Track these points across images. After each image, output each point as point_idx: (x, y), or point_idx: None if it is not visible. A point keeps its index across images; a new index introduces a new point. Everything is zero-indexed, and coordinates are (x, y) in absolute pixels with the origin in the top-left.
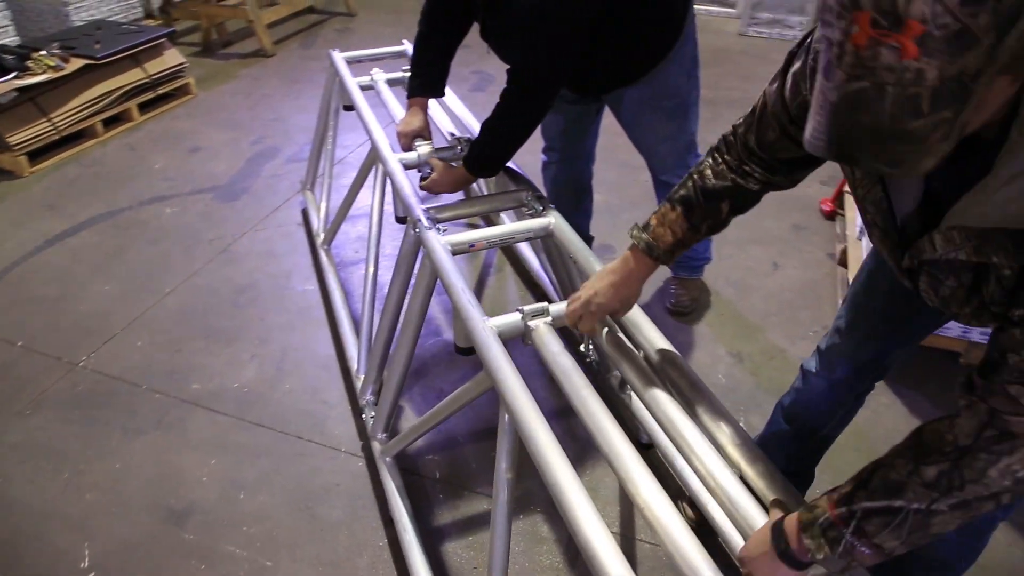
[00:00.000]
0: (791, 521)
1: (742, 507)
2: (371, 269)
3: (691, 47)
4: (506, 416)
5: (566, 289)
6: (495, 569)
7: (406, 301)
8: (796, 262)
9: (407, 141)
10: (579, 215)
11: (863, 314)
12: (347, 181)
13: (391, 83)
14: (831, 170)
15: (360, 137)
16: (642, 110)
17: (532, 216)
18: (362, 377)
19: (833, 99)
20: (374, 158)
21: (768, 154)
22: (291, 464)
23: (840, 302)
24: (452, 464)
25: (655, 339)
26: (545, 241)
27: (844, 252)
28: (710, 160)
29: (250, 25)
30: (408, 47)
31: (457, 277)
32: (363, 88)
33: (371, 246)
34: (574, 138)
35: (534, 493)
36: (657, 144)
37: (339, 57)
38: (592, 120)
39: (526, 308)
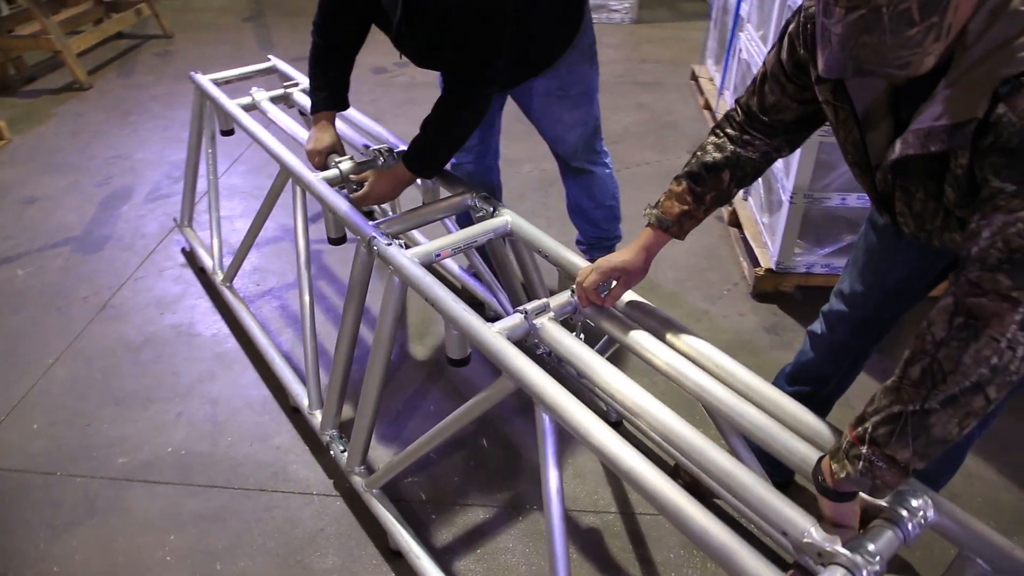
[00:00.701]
0: (825, 459)
1: (798, 452)
2: (306, 298)
3: (590, 34)
4: (545, 418)
5: (515, 289)
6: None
7: (362, 324)
8: None
9: (321, 159)
10: None
11: (859, 276)
12: (224, 213)
13: (273, 101)
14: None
15: (226, 163)
16: (550, 100)
17: (484, 217)
18: (318, 413)
19: (839, 31)
20: (284, 181)
21: (770, 116)
22: (263, 520)
23: (741, 259)
24: (434, 482)
25: (659, 314)
26: (493, 242)
27: (733, 213)
28: (712, 136)
29: (58, 56)
30: (277, 62)
31: (443, 289)
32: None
33: (302, 274)
34: (485, 135)
35: (526, 492)
36: (566, 132)
37: (205, 80)
38: (497, 114)
39: (528, 307)
